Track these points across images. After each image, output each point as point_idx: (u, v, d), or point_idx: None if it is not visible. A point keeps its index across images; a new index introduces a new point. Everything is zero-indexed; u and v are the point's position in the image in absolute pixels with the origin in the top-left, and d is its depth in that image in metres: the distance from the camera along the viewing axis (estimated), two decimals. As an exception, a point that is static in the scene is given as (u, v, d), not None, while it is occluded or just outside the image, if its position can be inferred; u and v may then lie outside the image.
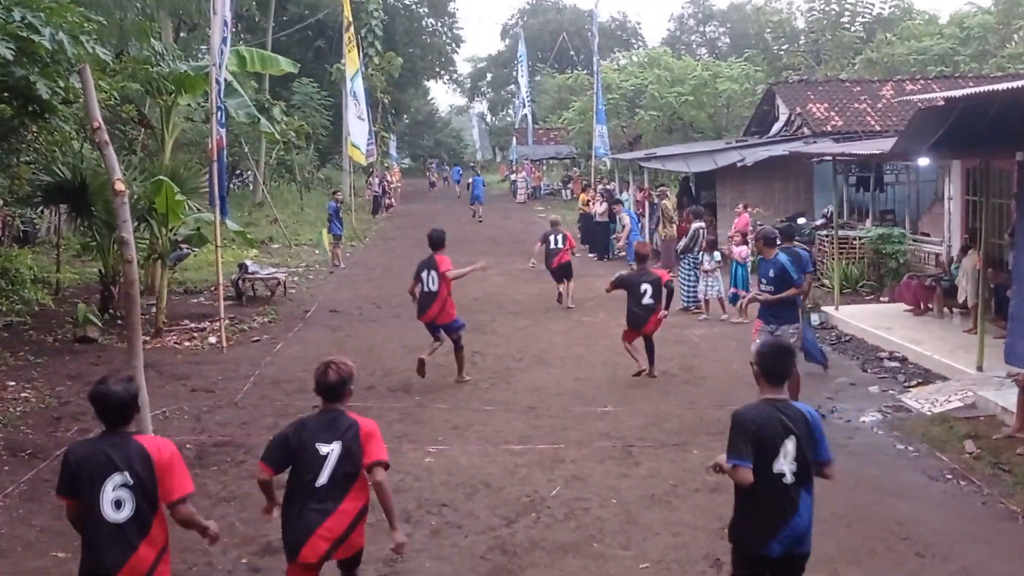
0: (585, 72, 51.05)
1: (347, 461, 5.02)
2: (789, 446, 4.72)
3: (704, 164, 23.87)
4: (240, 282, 18.04)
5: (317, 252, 25.71)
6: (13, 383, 11.53)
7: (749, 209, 19.99)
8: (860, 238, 18.67)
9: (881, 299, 17.00)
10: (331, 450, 5.00)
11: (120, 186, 9.12)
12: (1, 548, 6.90)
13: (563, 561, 6.65)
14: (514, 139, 63.83)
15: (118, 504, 4.47)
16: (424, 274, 11.35)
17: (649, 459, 8.77)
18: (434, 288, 11.24)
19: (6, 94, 10.84)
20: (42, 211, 19.99)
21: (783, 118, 28.04)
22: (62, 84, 10.57)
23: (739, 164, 22.73)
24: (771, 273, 10.01)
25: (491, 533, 7.11)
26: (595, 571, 6.47)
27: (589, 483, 8.16)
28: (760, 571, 4.84)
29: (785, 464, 4.71)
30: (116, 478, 4.48)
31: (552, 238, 17.50)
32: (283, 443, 5.11)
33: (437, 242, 11.55)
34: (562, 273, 17.47)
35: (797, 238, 20.59)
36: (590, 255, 25.03)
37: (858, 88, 28.01)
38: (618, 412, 10.32)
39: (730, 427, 4.77)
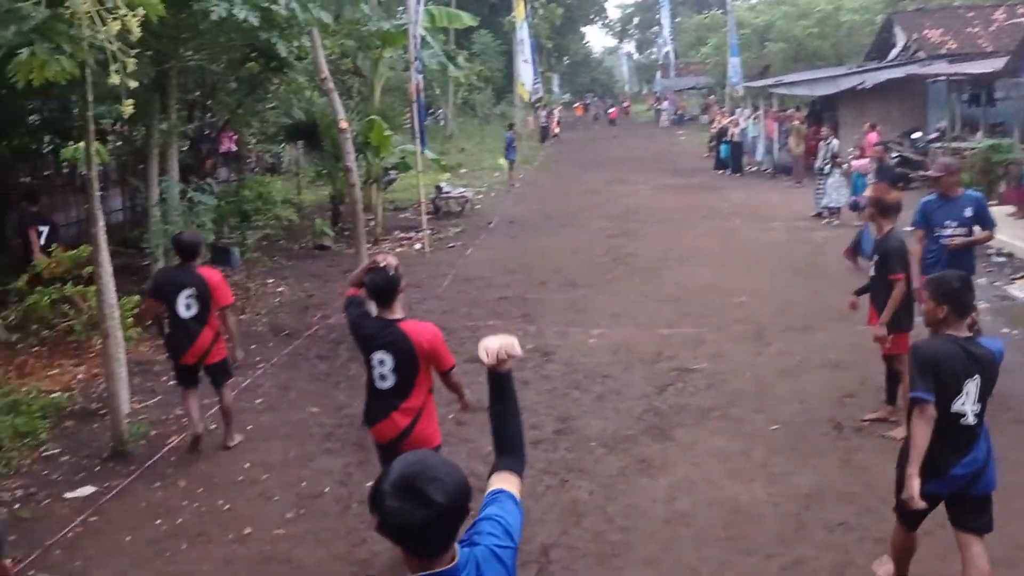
0: (720, 12, 48.42)
1: None
2: (971, 387, 3.81)
3: (827, 88, 22.46)
4: (437, 200, 18.42)
5: (496, 175, 25.90)
6: (271, 280, 12.26)
7: (876, 127, 18.40)
8: (972, 148, 17.25)
9: (990, 203, 15.71)
10: None
11: (344, 124, 9.44)
12: (270, 404, 7.47)
13: (705, 422, 6.65)
14: (658, 73, 61.69)
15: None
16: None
17: (779, 340, 8.57)
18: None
19: (254, 54, 11.23)
20: (285, 146, 20.83)
21: (900, 44, 25.97)
22: (296, 44, 10.83)
23: (859, 87, 21.28)
24: (966, 214, 6.85)
25: (645, 399, 7.16)
26: (733, 431, 6.44)
27: (727, 359, 8.07)
28: (928, 508, 3.86)
29: (967, 404, 3.81)
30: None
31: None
32: None
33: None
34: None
35: (913, 149, 19.24)
36: (726, 171, 24.20)
37: (971, 13, 25.57)
38: (752, 302, 10.08)
39: (912, 362, 3.87)
